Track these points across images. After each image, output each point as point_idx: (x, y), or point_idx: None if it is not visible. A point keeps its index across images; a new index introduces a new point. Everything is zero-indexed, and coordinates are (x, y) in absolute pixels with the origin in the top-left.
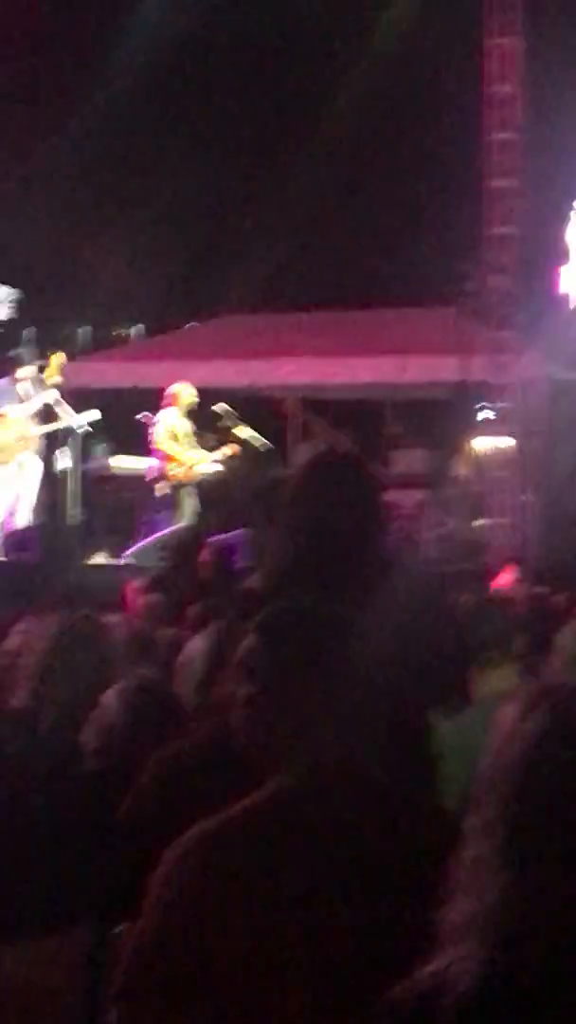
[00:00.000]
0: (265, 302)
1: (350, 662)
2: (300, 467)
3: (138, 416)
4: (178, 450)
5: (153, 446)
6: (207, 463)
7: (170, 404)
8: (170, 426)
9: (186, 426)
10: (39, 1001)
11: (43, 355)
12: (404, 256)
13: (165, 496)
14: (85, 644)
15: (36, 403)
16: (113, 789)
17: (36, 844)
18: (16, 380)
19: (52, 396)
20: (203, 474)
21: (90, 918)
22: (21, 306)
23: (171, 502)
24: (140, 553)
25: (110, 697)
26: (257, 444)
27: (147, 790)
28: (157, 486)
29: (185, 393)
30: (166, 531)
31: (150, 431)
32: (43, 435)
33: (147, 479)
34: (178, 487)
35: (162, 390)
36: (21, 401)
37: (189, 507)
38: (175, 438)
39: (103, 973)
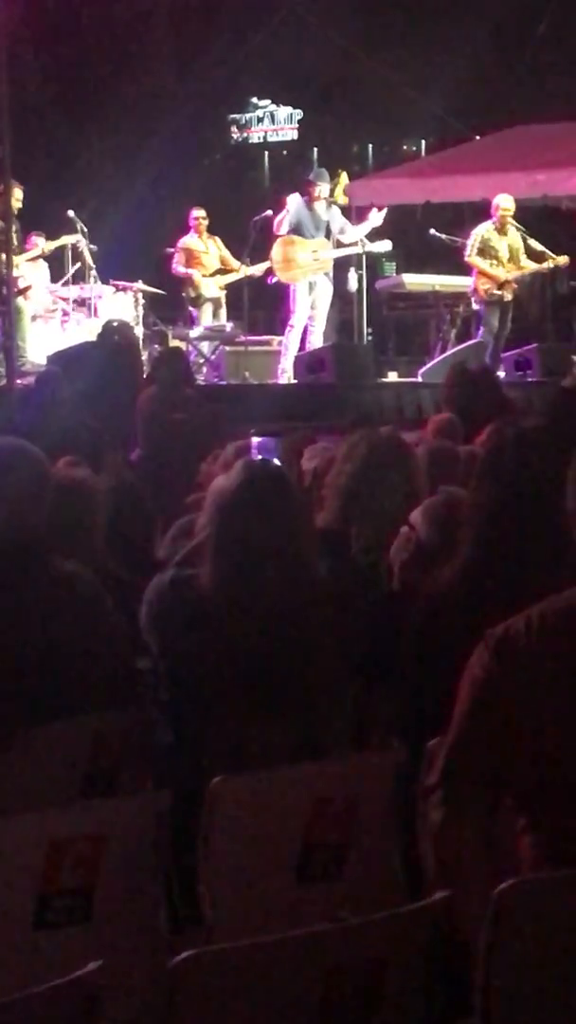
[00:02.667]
0: (557, 112)
1: None
2: None
3: (430, 232)
4: (487, 265)
5: (465, 260)
6: (518, 276)
7: (487, 217)
8: (481, 240)
9: (500, 240)
10: (354, 811)
11: (331, 174)
12: None
13: (458, 313)
14: (393, 463)
15: (330, 227)
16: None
17: (346, 664)
18: (313, 200)
19: (339, 217)
20: (511, 289)
21: (399, 735)
22: (304, 125)
23: (473, 318)
24: (434, 371)
25: (416, 515)
26: (550, 259)
27: (443, 606)
28: (468, 302)
29: (503, 205)
30: (460, 348)
31: (464, 247)
32: (336, 257)
33: (469, 293)
34: (486, 303)
35: (452, 205)
36: (317, 220)
37: (491, 324)
38: (484, 253)
39: (415, 785)
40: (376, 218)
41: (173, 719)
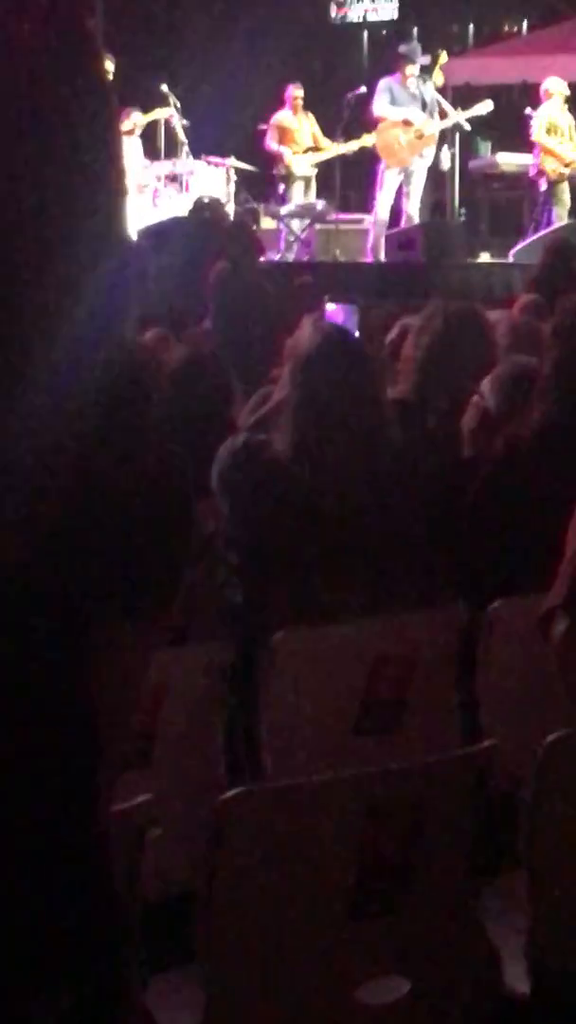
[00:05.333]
0: None
1: None
2: None
3: (527, 111)
4: (556, 144)
5: (531, 139)
6: None
7: (547, 98)
8: (548, 120)
9: (568, 119)
10: (414, 668)
11: (429, 53)
12: None
13: (546, 192)
14: (468, 336)
15: (426, 102)
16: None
17: (417, 528)
18: (406, 77)
19: (435, 93)
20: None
21: (464, 597)
22: (404, 4)
23: (550, 198)
24: (526, 251)
25: (485, 384)
26: None
27: (511, 470)
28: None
29: (562, 87)
30: (549, 229)
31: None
32: (432, 132)
33: (529, 175)
34: (556, 182)
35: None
36: (412, 98)
37: (567, 204)
38: (553, 132)
39: (476, 646)
40: (481, 107)
41: (243, 580)
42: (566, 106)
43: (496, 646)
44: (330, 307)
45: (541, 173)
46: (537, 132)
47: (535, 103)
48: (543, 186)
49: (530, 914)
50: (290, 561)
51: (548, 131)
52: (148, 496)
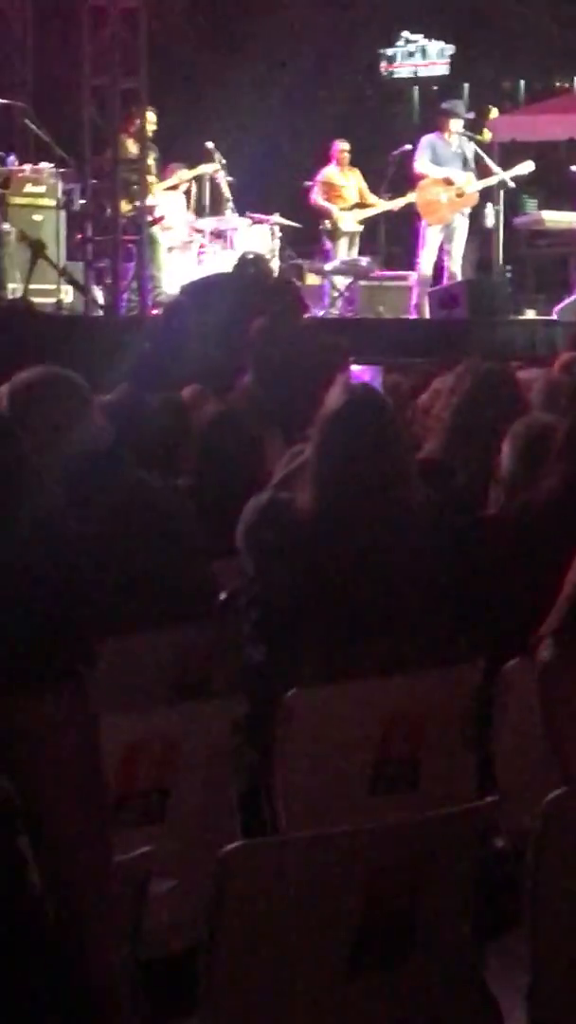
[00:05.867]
0: None
1: None
2: None
3: (572, 168)
4: None
5: None
6: None
7: None
8: None
9: None
10: (429, 726)
11: (478, 110)
12: None
13: None
14: (498, 396)
15: (467, 159)
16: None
17: (437, 588)
18: (449, 134)
19: (478, 151)
20: None
21: (482, 654)
22: (455, 61)
23: None
24: (570, 309)
25: (505, 444)
26: None
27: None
28: None
29: None
30: None
31: None
32: (479, 188)
33: None
34: None
35: None
36: (455, 155)
37: None
38: None
39: (495, 703)
40: (523, 167)
41: (263, 637)
42: None
43: (511, 705)
44: (355, 368)
45: None
46: None
47: None
48: None
49: (531, 973)
50: (311, 620)
51: None
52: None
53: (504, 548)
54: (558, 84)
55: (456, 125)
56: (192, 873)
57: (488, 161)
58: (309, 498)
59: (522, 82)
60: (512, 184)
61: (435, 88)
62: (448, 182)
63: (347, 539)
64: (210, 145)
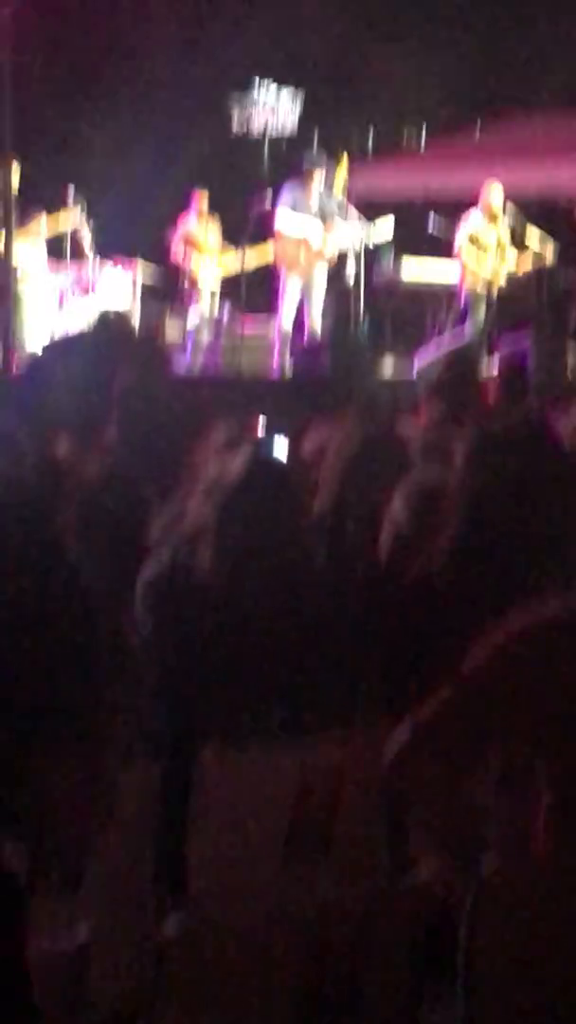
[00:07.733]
0: (561, 100)
1: None
2: None
3: (430, 227)
4: (475, 257)
5: (455, 252)
6: (505, 271)
7: (475, 206)
8: (470, 231)
9: (489, 231)
10: (341, 788)
11: (331, 160)
12: None
13: (457, 305)
14: (386, 454)
15: (324, 213)
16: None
17: (339, 648)
18: (309, 185)
19: (339, 205)
20: (499, 283)
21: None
22: (306, 108)
23: (465, 311)
24: (429, 368)
25: (395, 500)
26: (547, 251)
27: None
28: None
29: (490, 196)
30: (455, 342)
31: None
32: (334, 246)
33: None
34: (473, 295)
35: (452, 196)
36: (315, 206)
37: (480, 316)
38: (474, 243)
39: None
40: (383, 227)
41: (164, 697)
42: (494, 218)
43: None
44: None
45: (460, 284)
46: (459, 243)
47: (439, 211)
48: (461, 298)
49: None
50: (211, 682)
51: (470, 242)
52: None
53: (403, 609)
54: (403, 136)
55: (317, 179)
56: (116, 946)
57: (350, 213)
58: (208, 563)
59: (371, 127)
60: (371, 246)
61: (286, 137)
62: (305, 242)
63: (249, 603)
64: (71, 188)
